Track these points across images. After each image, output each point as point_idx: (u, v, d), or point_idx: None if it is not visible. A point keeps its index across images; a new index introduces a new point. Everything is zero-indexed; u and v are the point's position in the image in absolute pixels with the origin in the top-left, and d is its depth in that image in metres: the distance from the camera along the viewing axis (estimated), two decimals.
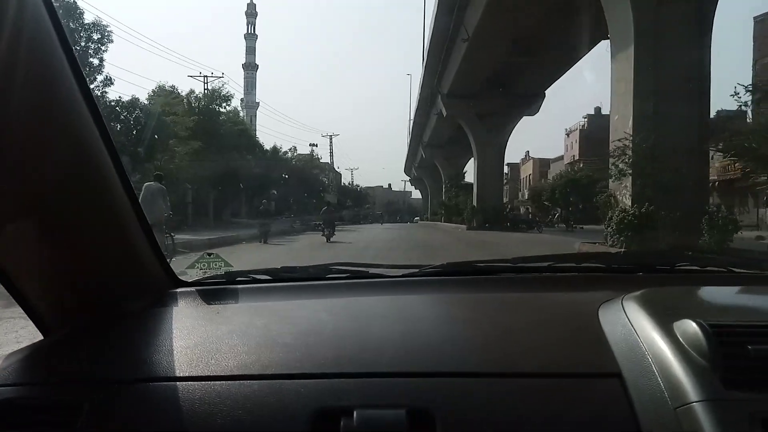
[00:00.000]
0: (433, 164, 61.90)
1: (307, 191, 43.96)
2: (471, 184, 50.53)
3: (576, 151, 60.98)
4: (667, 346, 0.87)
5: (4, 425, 0.87)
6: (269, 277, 1.51)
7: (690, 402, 0.77)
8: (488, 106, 34.72)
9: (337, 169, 79.37)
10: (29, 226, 0.99)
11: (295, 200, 44.28)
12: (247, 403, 0.86)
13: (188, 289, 1.40)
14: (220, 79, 33.32)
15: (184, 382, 0.91)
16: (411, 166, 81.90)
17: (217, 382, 0.91)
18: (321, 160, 63.22)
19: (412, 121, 58.69)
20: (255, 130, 57.51)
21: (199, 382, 0.91)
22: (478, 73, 30.40)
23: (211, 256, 1.66)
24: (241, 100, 64.39)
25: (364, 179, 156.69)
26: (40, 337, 1.19)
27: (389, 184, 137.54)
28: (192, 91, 29.90)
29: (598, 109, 62.74)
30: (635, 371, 0.87)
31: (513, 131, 37.88)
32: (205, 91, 30.66)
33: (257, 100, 66.37)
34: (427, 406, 0.85)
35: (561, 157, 67.59)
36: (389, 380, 0.91)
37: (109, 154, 1.07)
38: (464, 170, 57.86)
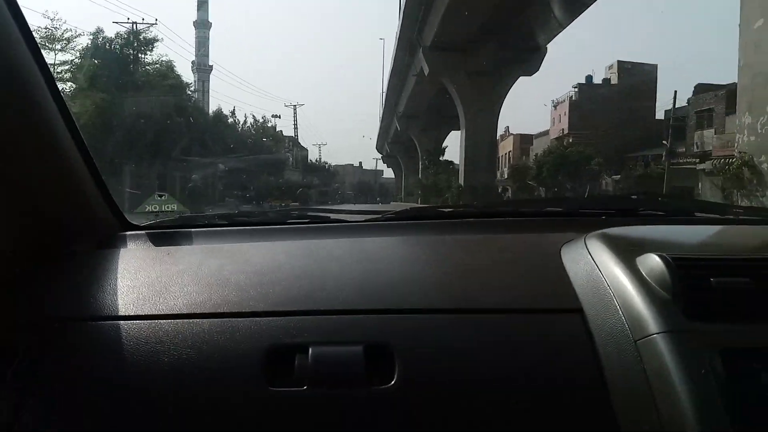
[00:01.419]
0: (408, 139, 55.51)
1: (263, 168, 37.26)
2: (451, 162, 44.64)
3: (565, 125, 55.32)
4: (629, 280, 0.87)
5: None
6: (225, 222, 1.46)
7: (651, 334, 0.78)
8: (479, 62, 28.57)
9: (302, 143, 72.39)
10: None
11: (248, 178, 37.53)
12: (197, 341, 0.85)
13: (138, 232, 1.35)
14: (153, 27, 26.22)
15: (128, 321, 0.89)
16: (383, 142, 75.41)
17: (164, 320, 0.89)
18: (284, 133, 56.48)
19: (385, 89, 52.26)
20: (206, 96, 50.41)
21: (145, 321, 0.89)
22: (469, 16, 24.11)
23: (163, 198, 1.28)
24: (192, 62, 57.28)
25: (332, 156, 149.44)
26: None
27: (360, 163, 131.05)
28: (100, 30, 23.02)
29: (589, 78, 57.04)
30: (597, 306, 0.88)
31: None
32: (120, 34, 23.64)
33: (210, 63, 59.43)
34: (385, 341, 0.85)
35: (546, 132, 61.88)
36: (346, 317, 0.90)
37: (47, 86, 1.02)
38: (444, 145, 51.57)
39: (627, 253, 0.95)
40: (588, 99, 54.81)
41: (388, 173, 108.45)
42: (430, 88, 36.11)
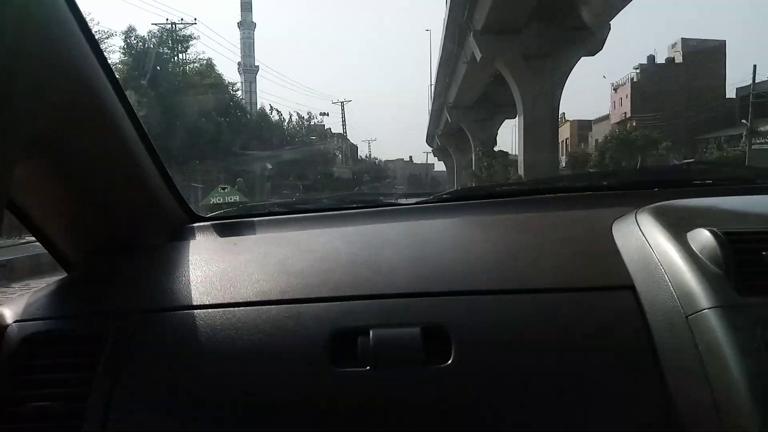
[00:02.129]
0: (459, 130, 53.44)
1: (311, 166, 36.04)
2: (506, 152, 42.46)
3: (627, 108, 52.22)
4: (680, 256, 0.87)
5: (33, 357, 0.90)
6: (284, 210, 1.52)
7: (702, 309, 0.78)
8: (536, 43, 26.42)
9: (351, 140, 71.32)
10: (41, 164, 1.00)
11: (295, 176, 36.44)
12: (267, 326, 0.90)
13: (204, 223, 1.42)
14: (191, 26, 25.16)
15: (204, 310, 0.95)
16: (433, 134, 73.45)
17: (236, 308, 0.94)
18: (332, 131, 55.36)
19: (434, 81, 50.37)
20: (254, 97, 49.78)
21: (219, 309, 0.94)
22: None
23: (225, 191, 1.50)
24: (238, 63, 56.82)
25: (382, 151, 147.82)
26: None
27: (410, 157, 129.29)
28: (132, 29, 22.11)
29: (651, 58, 53.89)
30: (648, 282, 0.89)
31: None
32: (154, 33, 22.63)
33: (257, 64, 58.82)
34: (441, 323, 0.88)
35: (606, 117, 58.81)
36: (403, 300, 0.94)
37: (113, 89, 1.07)
38: (496, 132, 49.28)
39: (678, 228, 0.95)
40: (651, 80, 51.67)
41: (439, 166, 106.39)
42: (483, 75, 34.11)
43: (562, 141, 69.18)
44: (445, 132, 62.71)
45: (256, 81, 55.51)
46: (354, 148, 73.99)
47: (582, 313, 0.89)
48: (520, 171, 28.68)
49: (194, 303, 0.98)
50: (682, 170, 1.61)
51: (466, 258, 1.09)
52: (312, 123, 34.59)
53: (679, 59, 51.39)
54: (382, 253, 1.13)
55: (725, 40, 53.32)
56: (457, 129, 54.32)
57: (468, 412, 0.82)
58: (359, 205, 1.53)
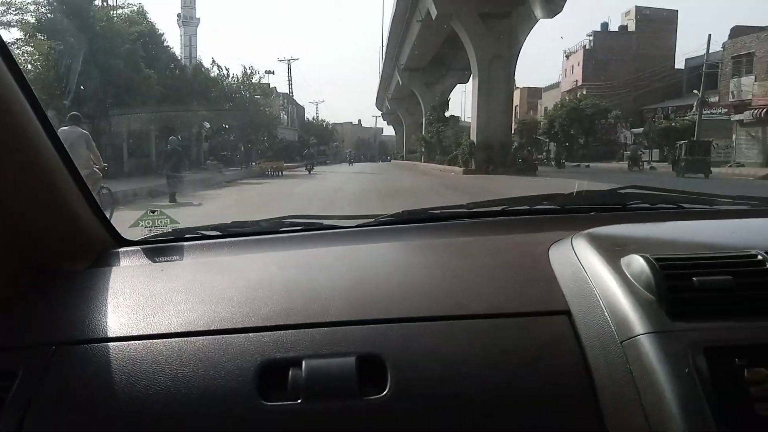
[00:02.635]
0: (410, 94, 52.02)
1: (253, 127, 33.77)
2: (458, 118, 41.29)
3: (578, 76, 51.82)
4: (614, 281, 0.89)
5: None
6: (218, 233, 1.45)
7: (636, 335, 0.80)
8: (495, 2, 25.05)
9: (297, 101, 68.60)
10: None
11: (236, 138, 34.14)
12: (192, 360, 0.86)
13: (132, 248, 1.36)
14: None
15: (124, 342, 0.90)
16: (383, 97, 71.74)
17: (158, 340, 0.90)
18: (277, 90, 52.75)
19: (386, 41, 48.55)
20: (194, 52, 46.67)
21: (140, 341, 0.90)
22: None
23: (156, 213, 1.54)
24: (177, 15, 53.15)
25: (330, 114, 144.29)
26: None
27: (359, 120, 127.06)
28: None
29: (605, 25, 53.45)
30: (583, 308, 0.90)
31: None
32: None
33: (198, 16, 55.09)
34: (376, 352, 0.85)
35: (556, 85, 58.45)
36: (338, 329, 0.91)
37: (30, 105, 1.02)
38: (448, 98, 47.99)
39: (612, 253, 0.96)
40: (603, 48, 51.07)
41: (388, 131, 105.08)
42: (437, 36, 32.61)
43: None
44: (395, 96, 61.08)
45: (196, 35, 52.16)
46: (301, 110, 71.45)
47: (518, 339, 0.88)
48: (473, 137, 27.55)
49: (112, 335, 0.93)
50: (617, 195, 1.60)
51: (404, 284, 1.07)
52: (255, 80, 31.97)
53: (632, 27, 51.13)
54: (317, 279, 1.11)
55: (677, 10, 53.07)
56: (407, 93, 52.81)
57: None
58: (299, 228, 1.49)
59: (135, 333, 0.93)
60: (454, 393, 0.82)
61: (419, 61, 42.26)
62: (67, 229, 1.20)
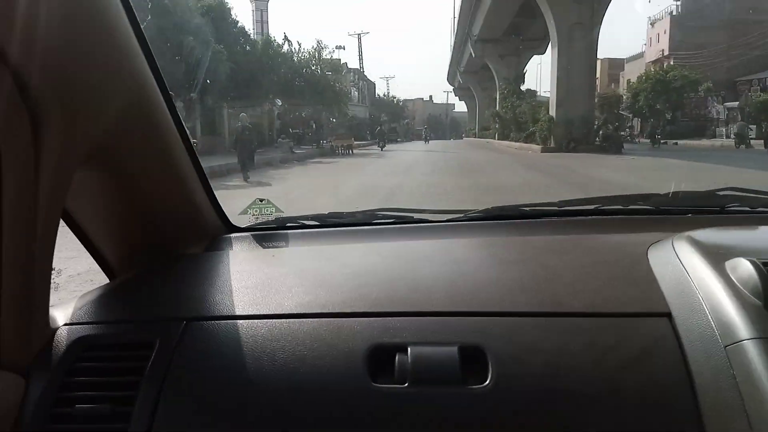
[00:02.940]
0: (483, 68, 50.27)
1: (324, 104, 33.40)
2: (534, 92, 39.43)
3: (665, 45, 48.51)
4: (718, 284, 0.87)
5: (82, 360, 0.93)
6: (317, 223, 1.55)
7: (741, 340, 0.78)
8: None
9: (368, 77, 68.02)
10: (93, 175, 1.04)
11: (307, 115, 33.89)
12: (307, 339, 0.91)
13: (242, 234, 1.46)
14: None
15: (247, 320, 0.97)
16: (455, 72, 70.02)
17: (278, 320, 0.96)
18: (348, 66, 52.23)
19: (458, 11, 47.02)
20: (265, 27, 46.79)
21: (261, 320, 0.96)
22: None
23: (263, 202, 1.63)
24: None
25: (401, 90, 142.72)
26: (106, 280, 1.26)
27: (430, 96, 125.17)
28: None
29: None
30: (685, 310, 0.88)
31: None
32: None
33: None
34: (478, 343, 0.88)
35: (640, 55, 55.12)
36: (441, 319, 0.95)
37: (165, 102, 1.09)
38: (524, 70, 45.94)
39: (716, 256, 0.94)
40: (693, 13, 47.55)
41: (460, 107, 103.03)
42: (512, 3, 31.06)
43: None
44: (467, 70, 59.35)
45: (267, 10, 52.20)
46: (371, 86, 70.97)
47: (619, 339, 0.88)
48: (552, 112, 26.01)
49: (236, 313, 1.00)
50: (715, 196, 1.53)
51: (502, 278, 1.09)
52: (325, 55, 31.38)
53: None
54: (417, 270, 1.15)
55: None
56: (480, 66, 51.10)
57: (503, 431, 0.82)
58: (391, 220, 1.55)
59: (255, 312, 0.99)
60: (554, 388, 0.83)
61: (493, 32, 40.60)
62: (190, 214, 1.31)
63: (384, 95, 79.17)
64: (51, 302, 0.98)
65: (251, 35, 28.96)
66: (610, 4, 25.10)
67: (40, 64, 0.77)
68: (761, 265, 0.85)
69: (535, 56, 48.71)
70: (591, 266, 1.10)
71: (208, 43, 19.26)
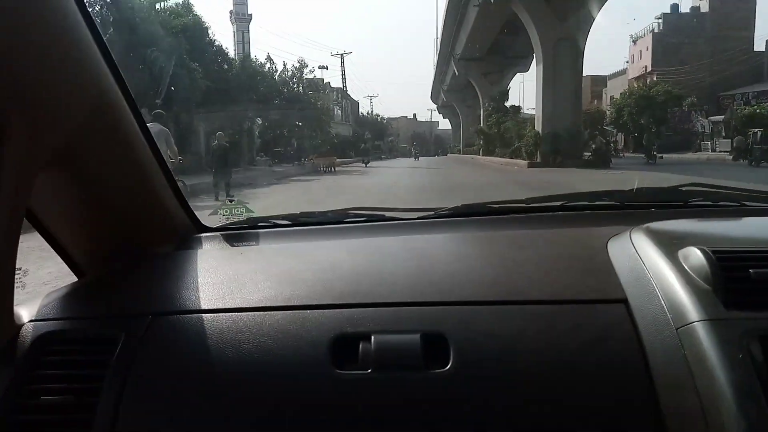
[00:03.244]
0: (466, 86, 50.10)
1: (305, 122, 32.70)
2: (517, 107, 39.07)
3: (647, 62, 48.69)
4: (671, 272, 0.92)
5: (46, 354, 0.94)
6: (289, 222, 1.56)
7: (691, 322, 0.82)
8: None
9: (351, 96, 67.62)
10: (58, 175, 1.05)
11: (288, 134, 33.15)
12: (272, 331, 0.93)
13: (212, 234, 1.47)
14: None
15: (213, 314, 0.98)
16: (438, 90, 70.00)
17: (243, 313, 0.98)
18: (331, 85, 51.73)
19: (440, 30, 46.84)
20: (247, 48, 46.26)
21: (227, 314, 0.98)
22: None
23: (233, 203, 1.68)
24: (230, 12, 52.76)
25: (384, 108, 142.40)
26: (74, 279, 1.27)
27: (414, 114, 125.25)
28: None
29: (675, 6, 50.00)
30: (640, 297, 0.92)
31: None
32: None
33: (250, 12, 54.29)
34: (440, 331, 0.90)
35: (623, 72, 55.33)
36: (403, 308, 0.97)
37: (126, 102, 1.11)
38: (508, 87, 45.72)
39: (670, 246, 0.99)
40: (674, 31, 47.66)
41: (444, 124, 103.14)
42: (495, 21, 30.79)
43: None
44: (451, 88, 59.27)
45: (249, 31, 51.61)
46: (355, 105, 70.61)
47: (576, 324, 0.91)
48: (537, 127, 25.53)
49: (202, 307, 1.01)
50: (678, 191, 1.57)
51: (465, 271, 1.12)
52: (307, 75, 30.72)
53: (705, 8, 47.54)
54: (383, 265, 1.18)
55: None
56: (464, 84, 50.95)
57: (465, 414, 0.84)
58: (362, 218, 1.56)
59: (221, 306, 1.00)
60: (512, 371, 0.86)
61: (476, 50, 40.41)
62: (157, 215, 1.32)
63: (368, 113, 78.82)
64: (17, 301, 1.02)
65: (231, 55, 28.31)
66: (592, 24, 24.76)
67: (2, 71, 0.78)
68: (711, 253, 0.89)
69: (519, 73, 48.61)
70: (552, 258, 1.13)
71: (170, 52, 18.50)
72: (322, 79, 38.07)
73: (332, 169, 26.83)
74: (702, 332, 0.80)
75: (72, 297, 1.12)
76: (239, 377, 0.89)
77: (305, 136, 34.55)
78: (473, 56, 42.06)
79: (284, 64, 29.98)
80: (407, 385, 0.86)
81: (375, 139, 64.97)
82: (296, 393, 0.87)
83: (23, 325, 1.01)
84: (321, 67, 51.59)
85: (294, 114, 30.24)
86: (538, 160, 24.22)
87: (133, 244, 1.28)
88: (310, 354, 0.89)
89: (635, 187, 1.58)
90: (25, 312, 1.04)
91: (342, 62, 63.98)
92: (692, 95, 39.89)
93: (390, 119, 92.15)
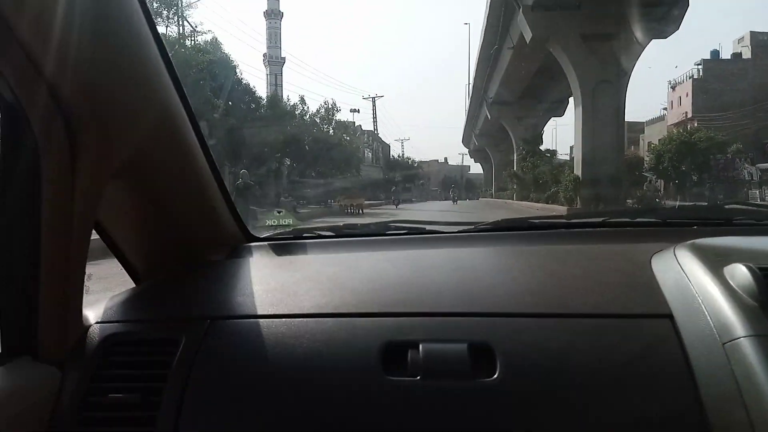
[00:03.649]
0: (499, 130, 49.28)
1: (335, 164, 32.11)
2: (552, 151, 37.99)
3: (687, 108, 47.27)
4: (717, 288, 0.92)
5: (112, 355, 0.99)
6: (332, 234, 1.60)
7: (738, 337, 0.82)
8: (598, 21, 22.21)
9: (383, 139, 67.40)
10: (122, 186, 1.10)
11: (319, 174, 32.53)
12: (324, 337, 0.96)
13: (260, 243, 1.52)
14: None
15: (267, 320, 1.02)
16: (470, 134, 69.26)
17: (296, 319, 1.01)
18: (362, 128, 51.52)
19: (473, 74, 46.36)
20: (280, 90, 46.45)
21: (280, 320, 1.01)
22: None
23: (281, 213, 1.72)
24: (264, 54, 53.46)
25: (416, 152, 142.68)
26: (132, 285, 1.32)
27: (445, 158, 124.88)
28: None
29: (715, 53, 48.78)
30: (685, 312, 0.93)
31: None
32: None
33: (283, 55, 55.00)
34: (487, 341, 0.92)
35: (661, 118, 53.93)
36: (450, 319, 0.99)
37: (188, 118, 1.16)
38: (541, 131, 44.62)
39: (715, 262, 0.98)
40: (715, 77, 46.12)
41: (475, 169, 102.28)
42: (530, 64, 29.97)
43: None
44: (483, 132, 58.49)
45: (282, 73, 51.97)
46: (386, 147, 70.36)
47: (621, 339, 0.91)
48: (576, 171, 24.30)
49: (257, 313, 1.05)
50: (721, 209, 1.59)
51: (510, 283, 1.12)
52: (338, 116, 30.24)
53: (747, 54, 46.34)
54: (427, 275, 1.19)
55: None
56: (496, 128, 50.12)
57: (511, 424, 0.85)
58: (403, 231, 1.57)
59: (275, 312, 1.04)
60: (558, 383, 0.86)
61: (509, 94, 39.58)
62: (211, 224, 1.37)
63: (399, 156, 78.45)
64: (83, 303, 1.07)
65: (258, 94, 28.02)
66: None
67: (74, 78, 0.82)
68: (757, 270, 0.89)
69: (554, 117, 47.64)
70: (595, 272, 1.13)
71: (205, 98, 18.05)
72: (354, 122, 37.63)
73: (360, 211, 25.98)
74: (749, 347, 0.79)
75: (134, 301, 1.17)
76: (293, 380, 0.91)
77: (333, 177, 33.90)
78: (506, 100, 41.24)
79: (318, 108, 29.34)
80: (455, 393, 0.87)
81: (406, 181, 64.31)
82: (347, 397, 0.89)
83: (90, 326, 1.05)
84: (352, 111, 51.49)
85: (323, 155, 29.64)
86: (578, 206, 22.91)
87: (188, 252, 1.33)
88: (361, 360, 0.91)
89: (677, 203, 1.31)
90: (91, 314, 1.09)
91: (373, 105, 64.00)
92: (737, 142, 38.24)
93: (421, 162, 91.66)
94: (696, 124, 42.52)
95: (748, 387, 0.77)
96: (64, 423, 0.92)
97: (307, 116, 29.24)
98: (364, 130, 53.63)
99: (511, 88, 37.91)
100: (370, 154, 54.22)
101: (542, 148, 38.20)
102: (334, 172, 33.50)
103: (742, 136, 40.55)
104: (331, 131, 29.88)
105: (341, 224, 1.65)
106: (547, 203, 27.35)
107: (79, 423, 0.91)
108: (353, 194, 29.18)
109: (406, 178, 67.17)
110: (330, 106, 29.70)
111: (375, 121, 64.17)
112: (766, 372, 0.76)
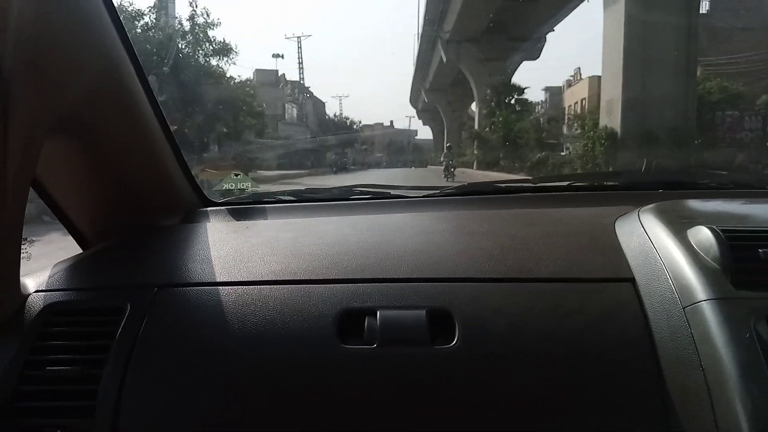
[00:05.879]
0: (456, 80, 39.73)
1: (243, 123, 21.59)
2: (529, 103, 28.53)
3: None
4: (679, 251, 0.92)
5: (52, 325, 0.95)
6: (293, 198, 1.59)
7: (699, 300, 0.83)
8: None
9: (314, 95, 56.53)
10: (66, 145, 1.06)
11: (218, 138, 21.57)
12: (278, 305, 0.94)
13: (217, 207, 1.48)
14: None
15: (218, 287, 0.99)
16: (419, 89, 59.16)
17: (249, 286, 0.99)
18: (286, 77, 40.71)
19: (424, 2, 36.08)
20: (170, 20, 34.80)
21: (233, 287, 0.99)
22: None
23: (239, 177, 1.64)
24: None
25: (358, 113, 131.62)
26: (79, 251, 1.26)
27: (391, 122, 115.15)
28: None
29: None
30: (648, 275, 0.93)
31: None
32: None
33: None
34: (445, 307, 0.92)
35: None
36: (409, 284, 0.98)
37: (137, 75, 1.13)
38: (510, 80, 34.94)
39: (678, 225, 0.99)
40: (722, 12, 39.04)
41: (423, 133, 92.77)
42: None
43: (576, 103, 54.69)
44: (434, 86, 48.62)
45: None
46: (320, 105, 59.54)
47: (582, 302, 0.91)
48: (603, 120, 14.57)
49: (208, 280, 1.02)
50: (687, 173, 1.60)
51: (471, 247, 1.11)
52: (208, 31, 19.35)
53: None
54: (389, 241, 1.17)
55: None
56: (452, 78, 40.26)
57: (470, 389, 0.85)
58: (367, 196, 1.55)
59: (227, 279, 1.01)
60: (518, 348, 0.87)
61: (472, 29, 29.73)
62: (163, 187, 1.32)
63: (336, 115, 67.72)
64: (23, 271, 1.01)
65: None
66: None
67: (2, 23, 0.78)
68: (720, 232, 0.89)
69: (527, 61, 37.76)
70: (559, 236, 1.12)
71: None
72: (277, 71, 27.10)
73: None
74: (709, 311, 0.80)
75: (78, 268, 1.12)
76: (244, 350, 0.89)
77: (241, 141, 22.99)
78: (468, 36, 31.23)
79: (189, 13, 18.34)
80: (412, 361, 0.86)
81: (344, 146, 54.03)
82: (301, 366, 0.87)
83: (29, 295, 1.01)
84: (275, 56, 40.85)
85: (222, 112, 19.05)
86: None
87: (138, 217, 1.28)
88: (316, 328, 0.89)
89: (644, 166, 1.35)
90: (31, 282, 1.05)
91: (299, 47, 52.76)
92: (761, 95, 29.77)
93: (364, 125, 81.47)
94: (699, 72, 33.96)
95: (705, 351, 0.77)
96: (0, 398, 0.87)
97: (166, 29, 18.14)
98: (288, 80, 42.77)
99: (474, 16, 27.97)
100: (294, 109, 43.45)
101: (519, 97, 28.46)
102: (243, 133, 22.68)
103: (753, 89, 32.20)
104: (200, 54, 18.90)
105: (303, 189, 1.61)
106: (531, 175, 17.70)
107: (16, 398, 0.87)
108: (220, 163, 18.49)
109: (344, 141, 56.81)
110: (205, 20, 18.61)
111: (301, 67, 53.17)
112: (725, 335, 0.76)
